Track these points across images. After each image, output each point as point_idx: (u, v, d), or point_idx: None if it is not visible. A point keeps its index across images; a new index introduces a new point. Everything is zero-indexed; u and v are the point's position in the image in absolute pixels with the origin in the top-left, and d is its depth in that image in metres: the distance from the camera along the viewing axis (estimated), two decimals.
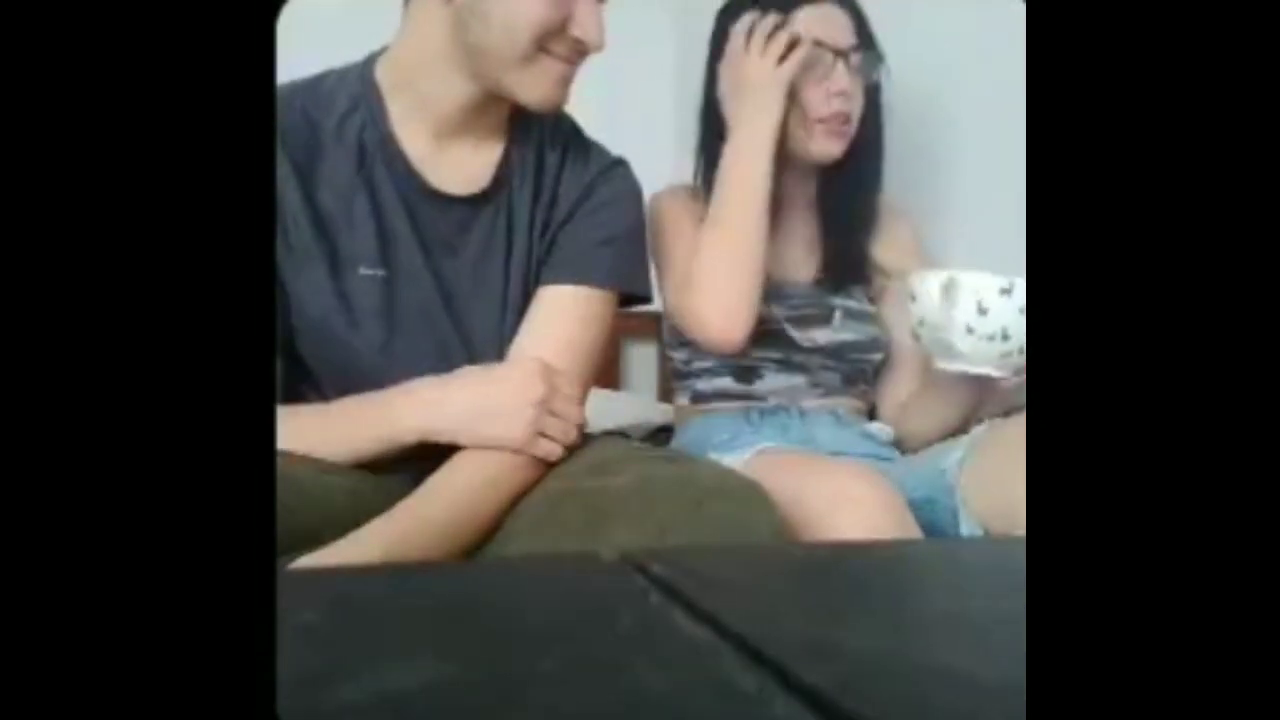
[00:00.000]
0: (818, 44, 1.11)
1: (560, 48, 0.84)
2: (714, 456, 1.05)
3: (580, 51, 0.85)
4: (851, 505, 0.86)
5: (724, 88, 1.15)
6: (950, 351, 0.98)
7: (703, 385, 1.20)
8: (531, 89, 0.85)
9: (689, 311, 1.09)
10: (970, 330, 0.95)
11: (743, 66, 1.09)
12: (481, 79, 0.86)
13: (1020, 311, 0.93)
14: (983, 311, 0.94)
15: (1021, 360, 0.96)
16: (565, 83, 0.86)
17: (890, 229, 1.24)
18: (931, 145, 1.34)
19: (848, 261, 1.20)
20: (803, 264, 1.21)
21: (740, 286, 1.07)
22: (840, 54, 1.11)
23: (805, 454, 1.04)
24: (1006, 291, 0.93)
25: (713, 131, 1.17)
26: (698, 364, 1.19)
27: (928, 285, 0.98)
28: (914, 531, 0.88)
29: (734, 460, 1.01)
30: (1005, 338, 0.94)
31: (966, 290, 0.95)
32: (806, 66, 1.10)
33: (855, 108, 1.14)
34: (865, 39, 1.14)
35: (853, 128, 1.14)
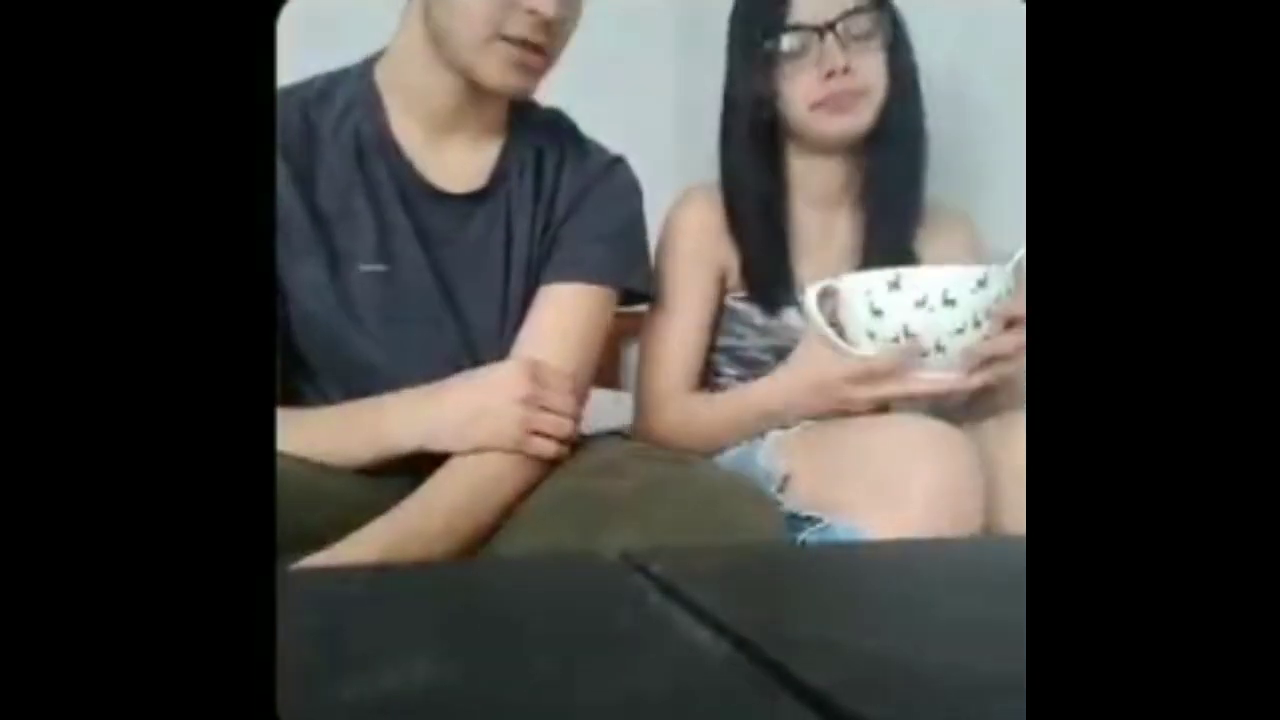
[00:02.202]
0: (797, 28, 1.03)
1: (515, 27, 0.81)
2: (739, 449, 1.03)
3: (537, 29, 0.82)
4: (907, 443, 0.83)
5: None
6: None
7: (724, 382, 1.18)
8: (490, 72, 0.84)
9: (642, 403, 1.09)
10: (872, 335, 0.88)
11: None
12: (451, 66, 0.86)
13: (917, 305, 0.84)
14: (876, 312, 0.87)
15: (947, 358, 0.87)
16: (524, 68, 0.84)
17: (945, 227, 1.15)
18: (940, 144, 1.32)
19: (886, 254, 1.09)
20: (844, 266, 1.11)
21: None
22: (826, 28, 1.03)
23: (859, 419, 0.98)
24: (895, 285, 0.85)
25: (725, 129, 1.12)
26: (726, 370, 1.16)
27: (808, 303, 0.89)
28: (977, 497, 0.84)
29: (776, 436, 0.98)
30: (909, 335, 0.86)
31: (852, 293, 0.88)
32: (792, 56, 1.04)
33: (864, 79, 1.05)
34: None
35: (870, 101, 1.05)
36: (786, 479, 0.92)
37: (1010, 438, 0.94)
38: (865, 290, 0.87)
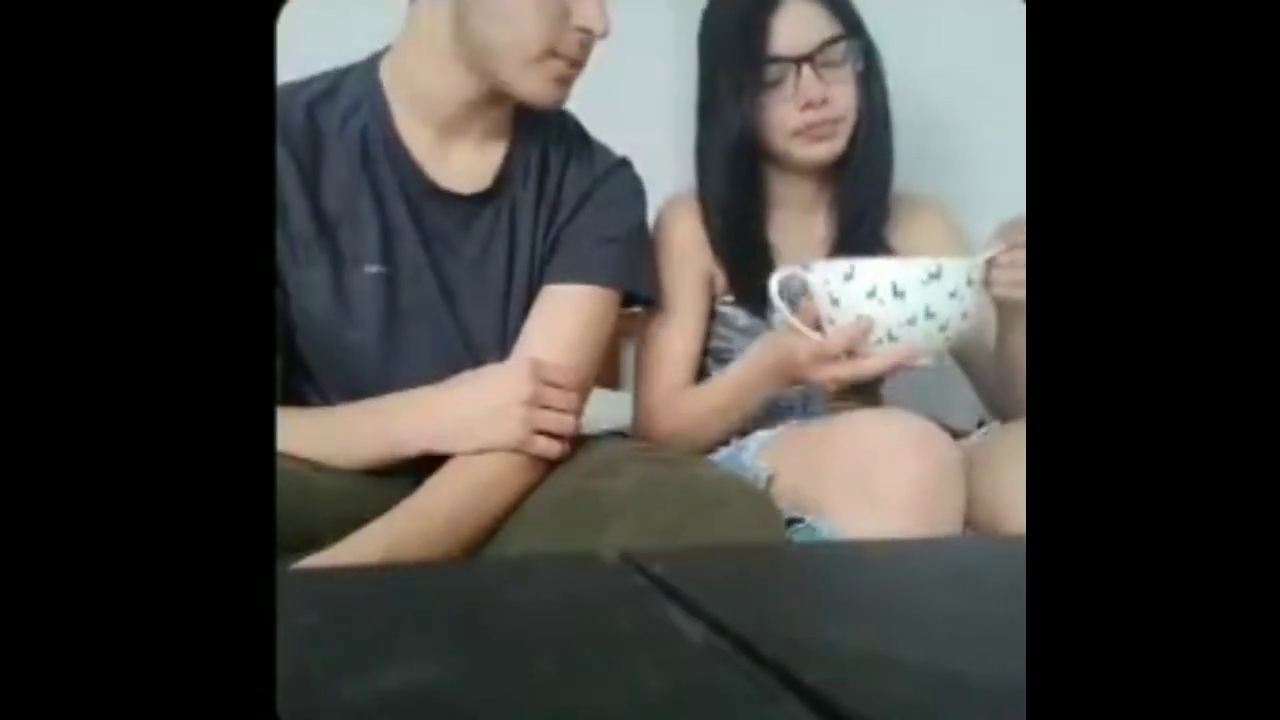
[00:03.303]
0: (776, 59, 1.05)
1: (566, 46, 0.83)
2: (727, 451, 1.04)
3: (585, 46, 0.84)
4: (888, 440, 0.85)
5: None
6: None
7: None
8: (533, 87, 0.84)
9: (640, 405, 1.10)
10: (832, 322, 0.91)
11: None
12: (483, 75, 0.86)
13: (868, 296, 0.88)
14: (834, 301, 0.90)
15: (901, 346, 0.90)
16: (567, 82, 0.86)
17: (915, 218, 1.18)
18: (934, 147, 1.32)
19: (858, 247, 1.11)
20: (821, 257, 1.15)
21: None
22: (804, 59, 1.05)
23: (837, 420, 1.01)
24: (849, 277, 0.89)
25: (703, 138, 1.15)
26: (714, 373, 1.17)
27: (771, 290, 0.93)
28: (959, 480, 0.85)
29: (761, 438, 1.00)
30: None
31: (815, 282, 0.91)
32: (770, 86, 1.06)
33: (840, 107, 1.08)
34: (849, 27, 1.08)
35: (845, 126, 1.09)
36: (771, 479, 0.93)
37: (1011, 442, 0.95)
38: (824, 280, 0.91)
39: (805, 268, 0.95)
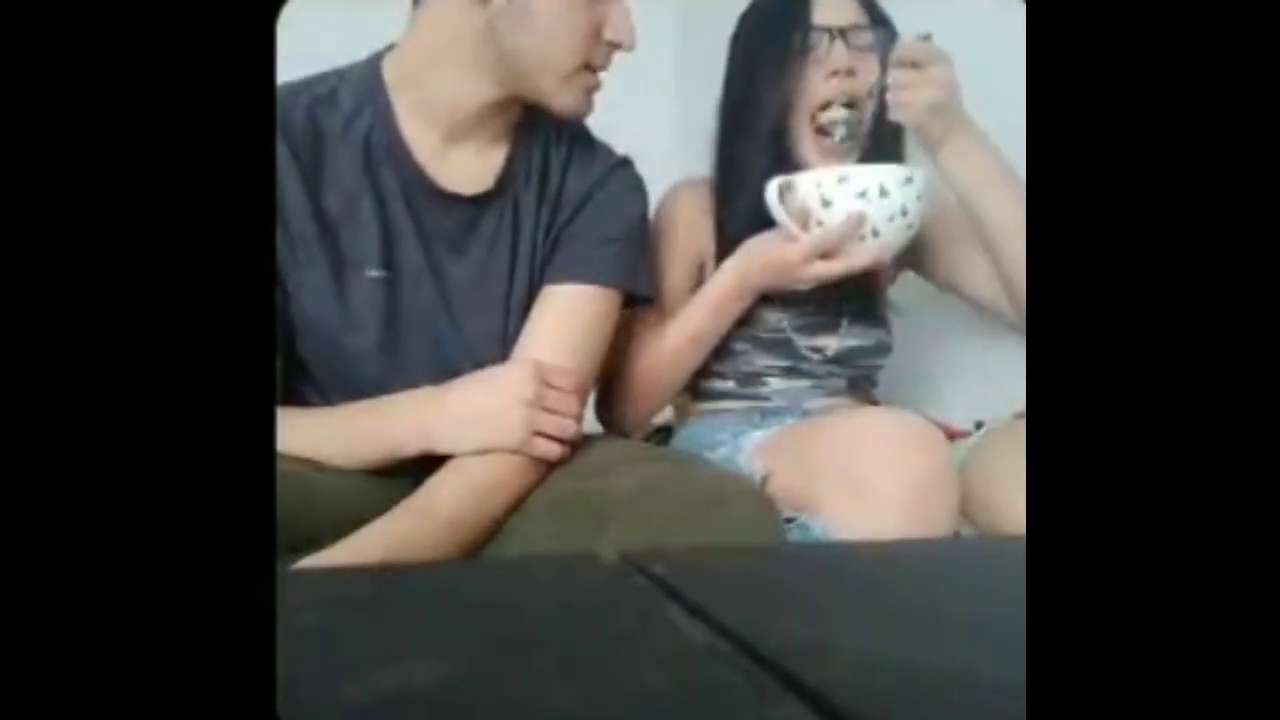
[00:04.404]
0: (812, 28, 1.09)
1: (597, 58, 0.86)
2: (723, 452, 1.04)
3: (611, 56, 0.87)
4: (880, 439, 0.86)
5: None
6: None
7: (705, 384, 1.19)
8: (568, 100, 0.87)
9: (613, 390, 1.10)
10: (821, 224, 0.99)
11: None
12: (511, 85, 0.86)
13: (859, 195, 0.97)
14: (826, 203, 0.98)
15: (881, 241, 0.98)
16: (593, 92, 0.89)
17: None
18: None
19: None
20: None
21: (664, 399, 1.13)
22: (838, 32, 1.09)
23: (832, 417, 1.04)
24: (843, 179, 0.97)
25: (730, 127, 1.15)
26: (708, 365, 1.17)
27: (768, 194, 1.01)
28: (948, 472, 0.86)
29: (756, 439, 1.01)
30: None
31: (806, 187, 0.99)
32: (808, 51, 1.10)
33: (863, 83, 1.10)
34: (876, 18, 1.12)
35: (865, 125, 1.11)
36: (765, 479, 0.93)
37: (1008, 441, 0.95)
38: (817, 184, 0.99)
39: (794, 175, 1.01)
